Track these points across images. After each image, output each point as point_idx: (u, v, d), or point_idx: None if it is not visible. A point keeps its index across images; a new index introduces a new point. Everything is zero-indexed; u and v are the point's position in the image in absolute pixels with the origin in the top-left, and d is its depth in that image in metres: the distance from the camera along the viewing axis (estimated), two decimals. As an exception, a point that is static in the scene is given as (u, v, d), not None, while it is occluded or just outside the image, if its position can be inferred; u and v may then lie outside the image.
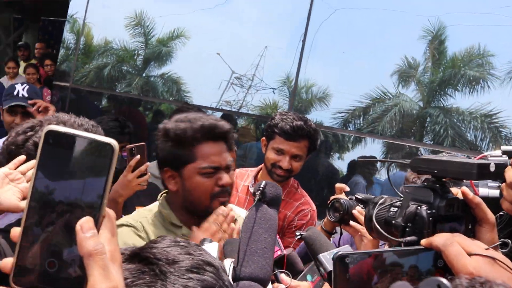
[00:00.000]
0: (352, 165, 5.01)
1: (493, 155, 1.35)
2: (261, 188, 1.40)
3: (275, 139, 2.93)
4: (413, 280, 1.06)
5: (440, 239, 1.06)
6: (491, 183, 1.45)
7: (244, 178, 3.16)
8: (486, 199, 1.37)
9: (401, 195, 1.23)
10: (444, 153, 1.76)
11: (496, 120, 4.21)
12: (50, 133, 0.78)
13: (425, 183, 1.19)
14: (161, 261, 0.93)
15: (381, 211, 1.22)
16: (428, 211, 1.11)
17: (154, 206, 2.06)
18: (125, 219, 2.01)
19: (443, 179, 1.18)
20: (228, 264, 1.36)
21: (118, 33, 7.08)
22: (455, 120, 4.37)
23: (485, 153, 1.40)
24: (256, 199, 1.39)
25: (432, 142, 4.47)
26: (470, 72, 4.30)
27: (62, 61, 7.94)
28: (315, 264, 1.57)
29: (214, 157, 1.89)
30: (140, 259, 0.95)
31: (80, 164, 0.78)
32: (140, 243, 1.83)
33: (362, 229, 1.91)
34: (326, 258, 1.48)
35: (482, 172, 1.12)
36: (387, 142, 4.72)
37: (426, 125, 4.55)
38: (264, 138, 3.05)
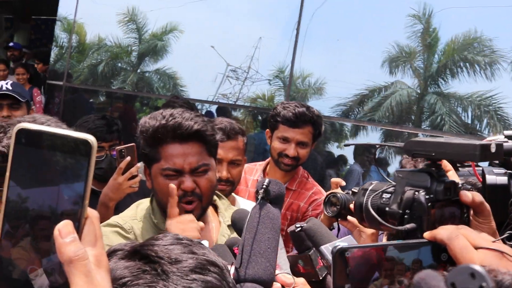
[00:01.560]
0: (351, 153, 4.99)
1: (496, 141, 1.32)
2: (264, 186, 1.35)
3: (278, 129, 2.93)
4: None
5: (444, 232, 1.01)
6: (496, 169, 1.40)
7: (253, 173, 3.15)
8: (494, 186, 1.35)
9: (391, 181, 1.17)
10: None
11: (494, 103, 4.19)
12: (21, 132, 0.73)
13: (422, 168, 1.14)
14: (163, 260, 0.89)
15: (372, 198, 1.16)
16: (427, 196, 1.07)
17: (145, 204, 1.98)
18: (114, 218, 1.94)
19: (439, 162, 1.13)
20: None
21: (111, 30, 7.04)
22: (453, 105, 4.35)
23: (489, 138, 1.36)
24: (259, 197, 1.35)
25: (431, 128, 4.45)
26: (468, 56, 4.28)
27: (56, 60, 7.90)
28: (311, 250, 1.54)
29: (177, 159, 1.77)
30: (140, 256, 0.91)
31: (56, 165, 0.73)
32: None
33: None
34: (329, 250, 1.43)
35: (485, 154, 1.07)
36: (386, 129, 4.70)
37: (424, 111, 4.53)
38: (268, 130, 3.04)
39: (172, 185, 1.75)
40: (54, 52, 7.95)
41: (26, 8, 10.21)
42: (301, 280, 1.47)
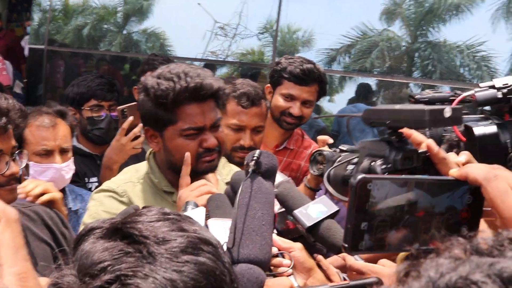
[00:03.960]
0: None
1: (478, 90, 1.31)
2: (255, 158, 1.24)
3: (283, 84, 2.75)
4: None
5: (479, 172, 0.90)
6: (482, 121, 1.34)
7: None
8: (484, 137, 1.29)
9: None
10: (428, 90, 1.69)
11: (480, 49, 4.20)
12: None
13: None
14: (148, 240, 0.77)
15: (337, 169, 1.13)
16: (383, 166, 1.03)
17: (142, 166, 1.94)
18: (106, 183, 1.89)
19: (399, 130, 1.08)
20: (215, 226, 1.24)
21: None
22: (442, 53, 4.36)
23: (475, 89, 1.33)
24: (250, 170, 1.24)
25: (421, 76, 4.47)
26: (454, 1, 4.26)
27: (40, 25, 7.74)
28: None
29: (197, 118, 1.75)
30: (122, 235, 0.79)
31: None
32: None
33: None
34: (303, 213, 1.34)
35: (436, 119, 1.01)
36: (377, 80, 4.71)
37: (414, 60, 4.54)
38: (268, 85, 2.85)
39: (188, 154, 1.74)
40: (37, 16, 7.79)
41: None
42: (298, 245, 1.40)
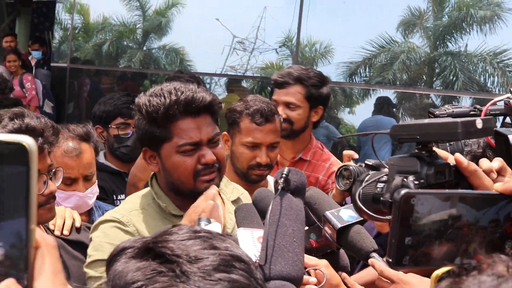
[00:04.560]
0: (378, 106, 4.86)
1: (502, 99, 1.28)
2: (284, 175, 1.24)
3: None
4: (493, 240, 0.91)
5: None
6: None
7: None
8: None
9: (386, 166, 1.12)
10: (447, 106, 1.67)
11: (505, 59, 4.15)
12: None
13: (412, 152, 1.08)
14: (181, 258, 0.77)
15: (367, 188, 1.11)
16: (416, 182, 1.01)
17: (146, 193, 1.88)
18: (110, 213, 1.83)
19: (429, 145, 1.07)
20: (244, 236, 1.25)
21: (115, 8, 6.99)
22: (463, 63, 4.32)
23: (496, 99, 1.32)
24: (279, 187, 1.23)
25: (442, 87, 4.43)
26: (480, 12, 4.22)
27: (61, 42, 7.86)
28: (320, 224, 1.47)
29: (192, 133, 1.68)
30: (154, 255, 0.79)
31: None
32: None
33: None
34: (334, 215, 1.38)
35: (468, 130, 1.01)
36: (397, 92, 4.67)
37: (435, 70, 4.50)
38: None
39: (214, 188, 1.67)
40: (58, 34, 7.91)
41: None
42: (324, 262, 1.40)
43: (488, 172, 1.04)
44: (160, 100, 1.67)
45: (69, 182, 2.34)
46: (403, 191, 0.87)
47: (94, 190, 2.44)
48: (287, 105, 2.75)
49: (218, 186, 1.76)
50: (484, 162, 1.08)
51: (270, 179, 2.47)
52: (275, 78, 2.81)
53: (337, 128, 5.00)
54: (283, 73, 2.80)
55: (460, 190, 1.00)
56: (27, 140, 0.56)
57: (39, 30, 9.95)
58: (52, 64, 8.02)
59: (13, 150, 0.56)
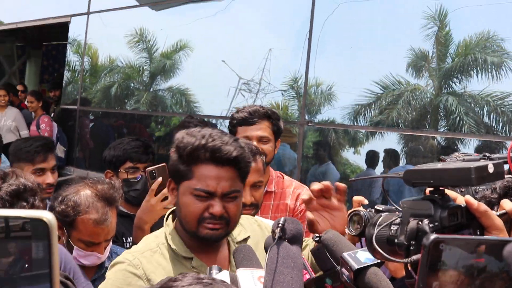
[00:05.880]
0: (369, 157, 4.92)
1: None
2: (280, 225, 1.29)
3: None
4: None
5: None
6: None
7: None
8: None
9: (399, 208, 1.16)
10: (456, 154, 1.74)
11: (509, 103, 4.12)
12: None
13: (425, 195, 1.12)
14: None
15: (382, 230, 1.14)
16: (431, 225, 1.04)
17: (161, 232, 1.94)
18: (124, 254, 1.88)
19: (441, 188, 1.11)
20: (244, 275, 1.27)
21: (122, 51, 7.08)
22: (468, 105, 4.29)
23: None
24: (276, 237, 1.28)
25: (448, 130, 4.39)
26: (485, 57, 4.22)
27: (68, 84, 7.94)
28: (337, 267, 1.46)
29: (210, 181, 1.76)
30: None
31: (6, 256, 0.57)
32: (137, 283, 1.72)
33: None
34: (352, 257, 1.39)
35: (481, 176, 1.04)
36: (401, 134, 4.64)
37: (440, 113, 4.47)
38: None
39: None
40: (66, 76, 7.99)
41: (37, 34, 10.32)
42: None
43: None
44: (191, 140, 1.77)
45: (91, 245, 2.43)
46: (432, 236, 0.85)
47: (109, 248, 2.53)
48: (260, 139, 2.94)
49: (223, 237, 1.84)
50: (506, 204, 1.13)
51: (263, 221, 2.51)
52: (243, 116, 2.96)
53: (343, 169, 4.98)
54: (250, 111, 2.98)
55: (486, 237, 1.01)
56: (48, 216, 0.58)
57: (48, 72, 10.09)
58: (62, 106, 8.06)
59: (35, 226, 0.57)
